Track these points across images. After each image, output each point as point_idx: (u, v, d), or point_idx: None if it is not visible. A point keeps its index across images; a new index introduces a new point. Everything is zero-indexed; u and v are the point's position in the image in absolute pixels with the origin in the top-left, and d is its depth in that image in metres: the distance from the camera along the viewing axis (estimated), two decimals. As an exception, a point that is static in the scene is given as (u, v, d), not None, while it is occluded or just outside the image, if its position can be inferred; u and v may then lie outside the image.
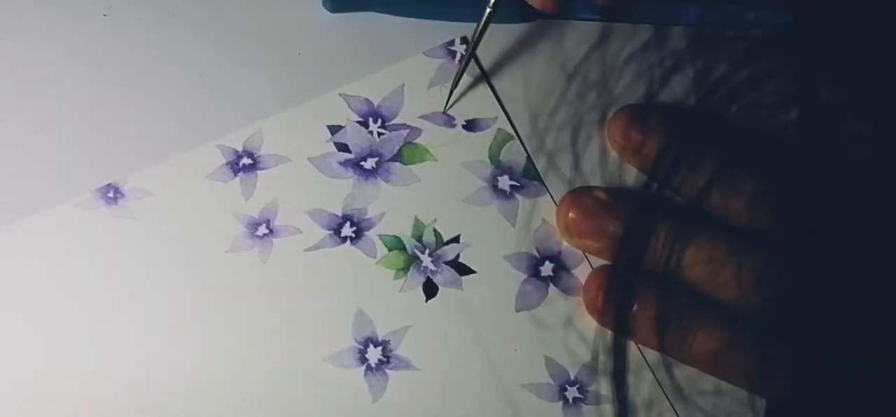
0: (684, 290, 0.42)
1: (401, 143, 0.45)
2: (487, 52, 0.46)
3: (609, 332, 0.42)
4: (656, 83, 0.45)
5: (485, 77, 0.46)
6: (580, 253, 0.43)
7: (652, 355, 0.43)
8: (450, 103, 0.44)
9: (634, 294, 0.42)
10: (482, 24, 0.43)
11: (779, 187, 0.42)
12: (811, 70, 0.37)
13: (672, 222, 0.42)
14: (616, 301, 0.42)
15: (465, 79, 0.45)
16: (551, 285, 0.43)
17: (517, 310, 0.43)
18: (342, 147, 0.45)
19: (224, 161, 0.44)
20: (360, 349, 0.42)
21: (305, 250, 0.43)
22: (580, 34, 0.46)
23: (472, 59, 0.46)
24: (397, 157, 0.45)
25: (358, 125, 0.45)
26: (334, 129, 0.45)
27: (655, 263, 0.42)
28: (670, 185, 0.43)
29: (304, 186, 0.44)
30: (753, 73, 0.37)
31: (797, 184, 0.42)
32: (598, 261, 0.43)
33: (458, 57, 0.46)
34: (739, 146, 0.44)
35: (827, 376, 0.42)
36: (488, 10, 0.43)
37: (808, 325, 0.42)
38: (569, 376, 0.42)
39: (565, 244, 0.44)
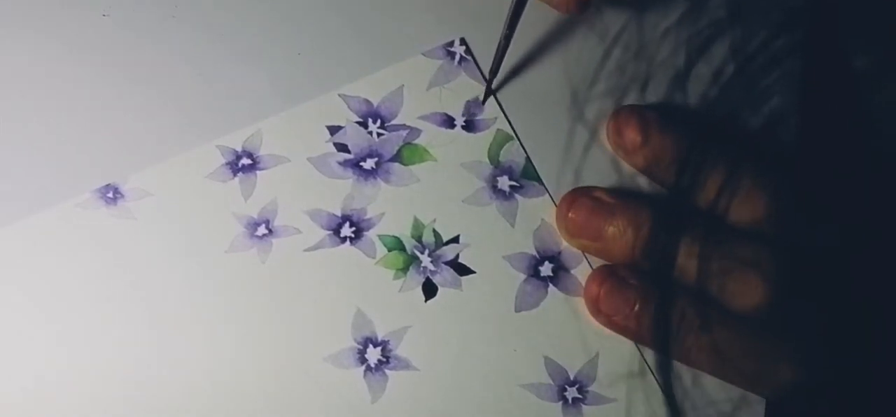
0: (686, 290, 0.42)
1: (400, 144, 0.45)
2: (487, 53, 0.46)
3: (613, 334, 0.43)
4: (656, 79, 0.45)
5: (484, 77, 0.46)
6: (580, 253, 0.43)
7: (654, 355, 0.43)
8: (493, 83, 0.45)
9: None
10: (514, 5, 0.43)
11: (782, 186, 0.42)
12: (846, 37, 0.37)
13: (672, 223, 0.42)
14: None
15: (465, 80, 0.45)
16: (551, 285, 0.43)
17: (517, 310, 0.43)
18: (342, 147, 0.45)
19: (223, 161, 0.44)
20: (359, 349, 0.42)
21: (305, 250, 0.43)
22: (580, 35, 0.46)
23: (471, 59, 0.46)
24: (397, 158, 0.45)
25: (357, 125, 0.45)
26: (334, 130, 0.45)
27: (657, 261, 0.42)
28: (673, 185, 0.43)
29: (303, 186, 0.44)
30: (791, 41, 0.37)
31: (802, 183, 0.42)
32: (598, 261, 0.43)
33: (456, 58, 0.46)
34: (742, 144, 0.44)
35: (828, 376, 0.42)
36: None
37: (811, 325, 0.42)
38: (568, 376, 0.42)
39: (565, 244, 0.44)
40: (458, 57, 0.46)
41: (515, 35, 0.44)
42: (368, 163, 0.45)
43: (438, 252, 0.44)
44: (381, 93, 0.45)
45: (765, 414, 0.43)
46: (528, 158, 0.45)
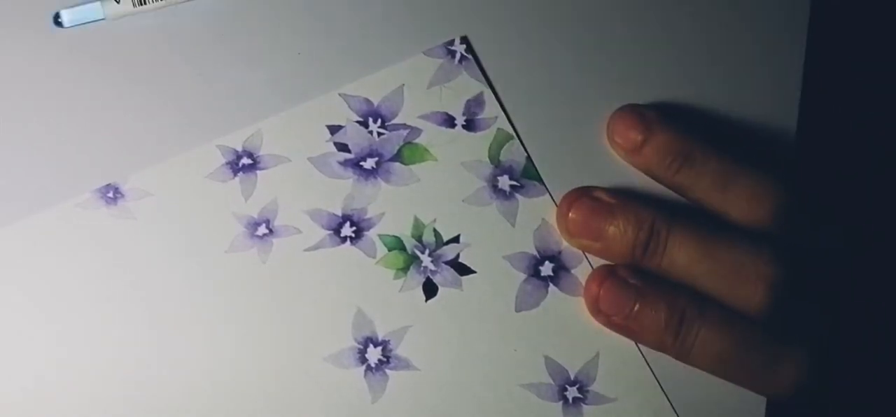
0: (686, 289, 0.42)
1: (400, 143, 0.45)
2: (488, 52, 0.46)
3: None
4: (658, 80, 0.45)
5: (485, 76, 0.46)
6: (580, 253, 0.43)
7: (653, 355, 0.43)
8: None
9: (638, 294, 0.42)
10: None
11: (785, 187, 0.42)
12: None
13: (673, 220, 0.42)
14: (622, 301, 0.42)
15: (466, 79, 0.45)
16: (551, 285, 0.43)
17: (517, 310, 0.43)
18: (342, 147, 0.45)
19: (224, 161, 0.44)
20: (359, 349, 0.42)
21: (305, 250, 0.43)
22: (579, 34, 0.46)
23: (472, 58, 0.46)
24: (397, 157, 0.45)
25: (358, 125, 0.45)
26: (334, 129, 0.45)
27: (657, 263, 0.42)
28: (673, 185, 0.43)
29: (303, 186, 0.44)
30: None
31: (805, 184, 0.42)
32: (598, 261, 0.43)
33: (457, 57, 0.46)
34: (742, 143, 0.44)
35: (829, 375, 0.42)
36: None
37: (812, 325, 0.42)
38: (569, 376, 0.42)
39: (565, 244, 0.44)
40: (458, 56, 0.46)
41: (516, 33, 0.44)
42: (369, 163, 0.45)
43: (439, 251, 0.44)
44: (382, 92, 0.45)
45: (765, 415, 0.43)
46: (528, 158, 0.45)
